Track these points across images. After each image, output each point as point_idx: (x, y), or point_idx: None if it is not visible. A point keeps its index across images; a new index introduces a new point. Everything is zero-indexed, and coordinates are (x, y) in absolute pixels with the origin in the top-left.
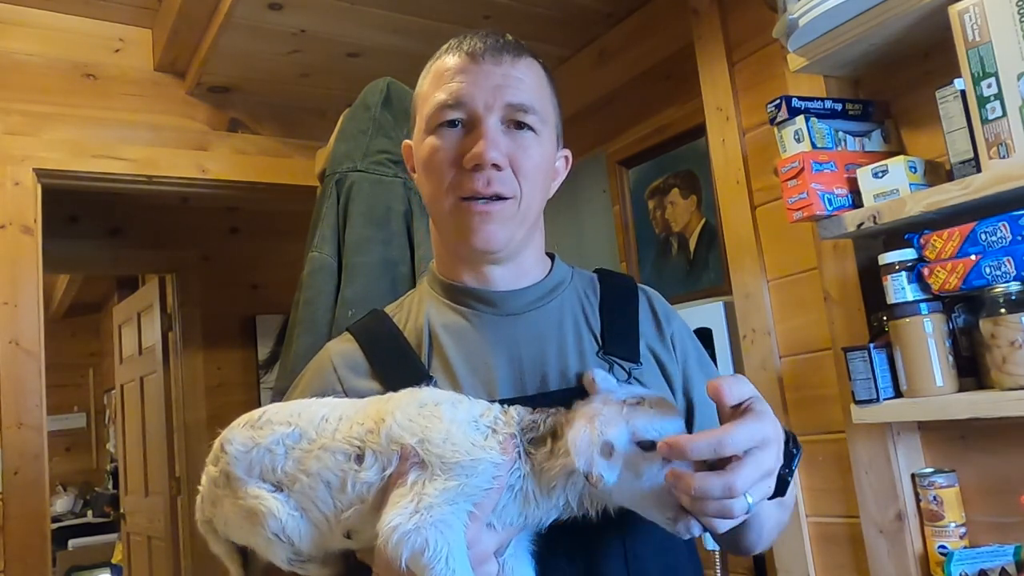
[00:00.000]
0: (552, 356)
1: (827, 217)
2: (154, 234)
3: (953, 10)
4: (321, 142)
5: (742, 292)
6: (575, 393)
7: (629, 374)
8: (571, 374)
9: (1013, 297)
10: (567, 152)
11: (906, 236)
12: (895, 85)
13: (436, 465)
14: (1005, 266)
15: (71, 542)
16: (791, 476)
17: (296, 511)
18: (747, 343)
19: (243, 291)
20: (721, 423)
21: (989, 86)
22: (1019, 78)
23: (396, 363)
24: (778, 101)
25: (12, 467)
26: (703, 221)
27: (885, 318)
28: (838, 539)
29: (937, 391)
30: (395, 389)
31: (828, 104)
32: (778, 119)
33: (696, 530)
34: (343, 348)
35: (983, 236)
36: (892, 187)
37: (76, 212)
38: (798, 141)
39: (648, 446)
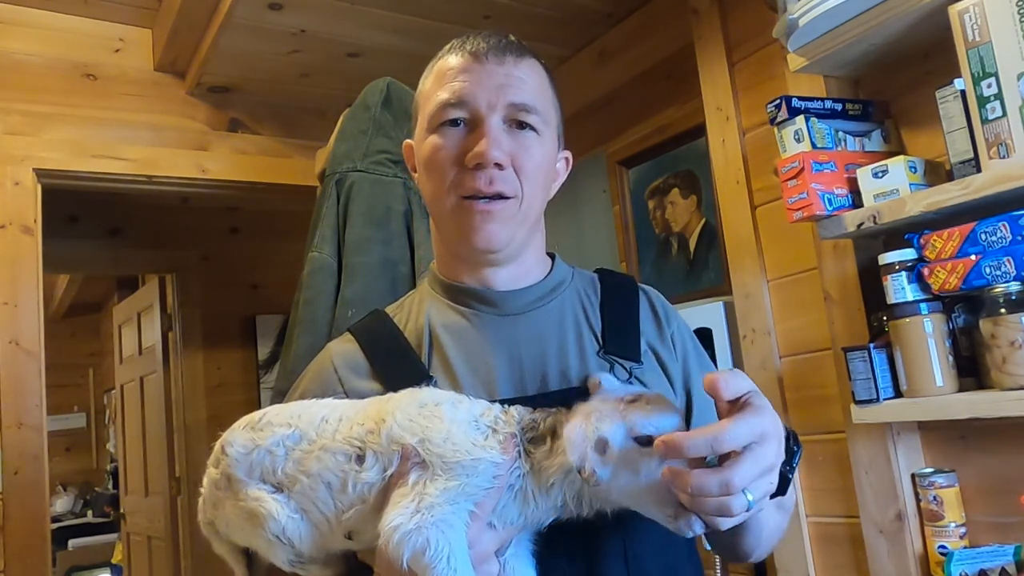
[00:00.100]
0: (552, 356)
1: (827, 217)
2: (154, 234)
3: (953, 10)
4: (321, 142)
5: (742, 292)
6: (575, 393)
7: (630, 373)
8: (571, 374)
9: (1013, 297)
10: (568, 153)
11: (906, 236)
12: (895, 85)
13: (437, 465)
14: (1005, 266)
15: (71, 542)
16: (792, 473)
17: (296, 513)
18: (747, 343)
19: (243, 291)
20: (719, 418)
21: (989, 86)
22: (1019, 78)
23: (397, 363)
24: (778, 101)
25: (12, 467)
26: (703, 221)
27: (885, 318)
28: (838, 539)
29: (937, 391)
30: (396, 389)
31: (828, 104)
32: (778, 119)
33: (698, 528)
34: (344, 348)
35: (983, 236)
36: (892, 187)
37: (76, 212)
38: (798, 141)
39: (645, 442)
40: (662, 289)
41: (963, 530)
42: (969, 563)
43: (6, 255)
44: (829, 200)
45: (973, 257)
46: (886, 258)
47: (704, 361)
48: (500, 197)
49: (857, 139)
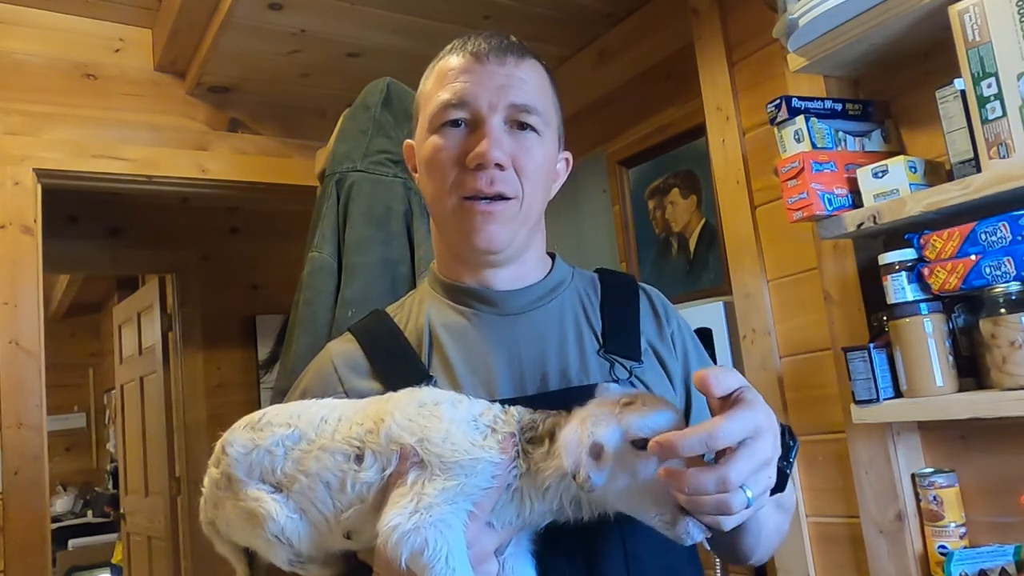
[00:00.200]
0: (552, 355)
1: (827, 217)
2: (154, 234)
3: (953, 10)
4: (321, 142)
5: (742, 292)
6: (575, 392)
7: (630, 372)
8: (571, 373)
9: (1013, 297)
10: (568, 154)
11: (906, 236)
12: (895, 85)
13: (435, 465)
14: (1005, 266)
15: (71, 542)
16: (790, 469)
17: (295, 513)
18: (747, 343)
19: (243, 291)
20: (712, 415)
21: (989, 86)
22: (1019, 78)
23: (396, 363)
24: (778, 101)
25: (12, 467)
26: (703, 221)
27: (885, 318)
28: (838, 539)
29: (937, 391)
30: (395, 389)
31: (828, 104)
32: (778, 119)
33: (697, 535)
34: (344, 348)
35: (983, 236)
36: (892, 187)
37: (76, 212)
38: (798, 141)
39: (641, 444)
40: (662, 289)
41: (963, 530)
42: (969, 563)
43: (6, 255)
44: (829, 200)
45: (973, 257)
46: (886, 258)
47: (704, 360)
48: (501, 198)
49: (857, 139)
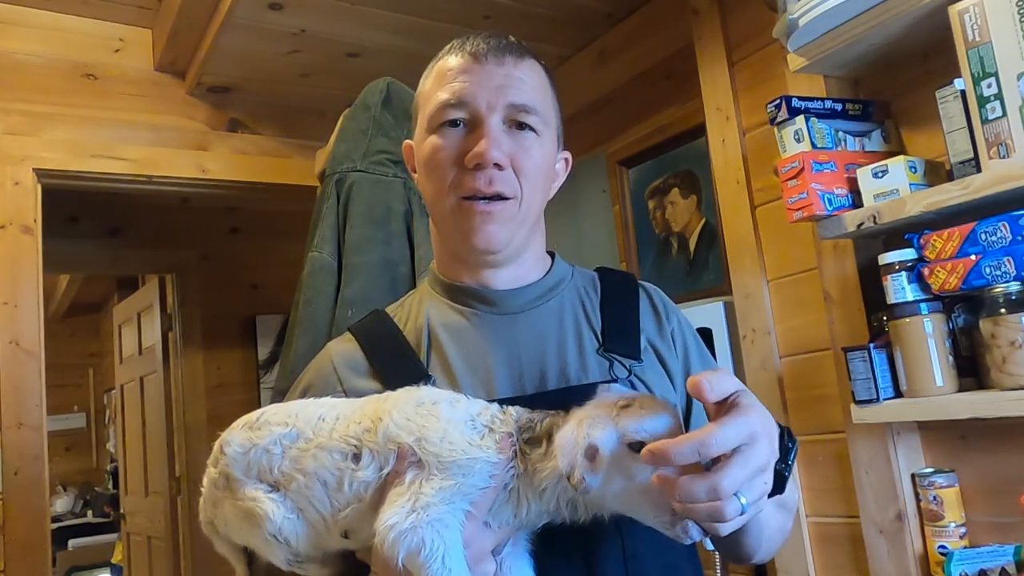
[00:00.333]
0: (551, 354)
1: (827, 217)
2: (154, 234)
3: (953, 10)
4: (321, 142)
5: (742, 292)
6: (574, 391)
7: (630, 371)
8: (570, 372)
9: (1013, 297)
10: (567, 154)
11: (906, 236)
12: (895, 85)
13: (433, 464)
14: (1005, 266)
15: (71, 542)
16: (788, 471)
17: (292, 513)
18: (747, 343)
19: (243, 291)
20: (708, 419)
21: (989, 86)
22: (1019, 78)
23: (396, 362)
24: (778, 101)
25: (12, 467)
26: (703, 221)
27: (885, 318)
28: (838, 539)
29: (937, 391)
30: (395, 389)
31: (828, 104)
32: (778, 119)
33: (696, 534)
34: (343, 348)
35: (983, 236)
36: (892, 187)
37: (76, 212)
38: (798, 141)
39: (638, 447)
40: (663, 289)
41: (963, 530)
42: (969, 563)
43: (6, 255)
44: (829, 200)
45: (973, 257)
46: (886, 258)
47: (706, 357)
48: (500, 198)
49: (857, 139)
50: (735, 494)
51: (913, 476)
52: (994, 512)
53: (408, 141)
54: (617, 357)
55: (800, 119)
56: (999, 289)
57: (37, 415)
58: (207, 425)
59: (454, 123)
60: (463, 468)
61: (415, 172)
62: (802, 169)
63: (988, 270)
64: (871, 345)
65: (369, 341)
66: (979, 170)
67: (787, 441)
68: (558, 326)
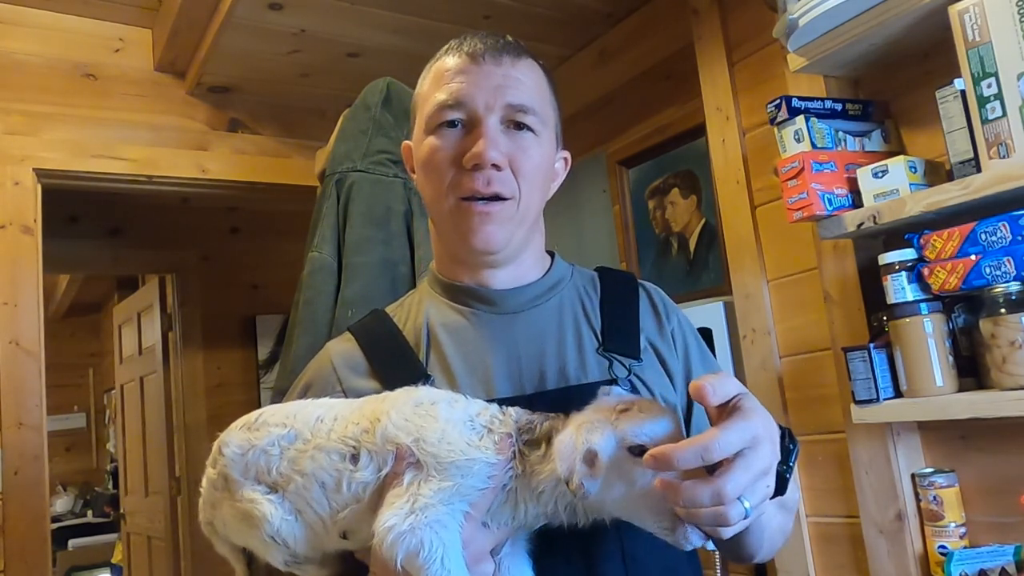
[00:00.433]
0: (551, 353)
1: (827, 217)
2: (154, 234)
3: (953, 10)
4: (321, 142)
5: (742, 292)
6: (573, 391)
7: (629, 370)
8: (570, 371)
9: (1013, 297)
10: (566, 154)
11: (906, 236)
12: (895, 85)
13: (431, 465)
14: (1005, 266)
15: (71, 542)
16: (790, 473)
17: (290, 515)
18: (747, 343)
19: (243, 291)
20: (710, 423)
21: (989, 86)
22: (1019, 78)
23: (395, 362)
24: (778, 101)
25: (12, 467)
26: (703, 221)
27: (885, 318)
28: (838, 539)
29: (937, 391)
30: (394, 388)
31: (828, 104)
32: (778, 119)
33: (696, 540)
34: (343, 348)
35: (983, 236)
36: (892, 187)
37: (76, 212)
38: (798, 141)
39: (639, 451)
40: (663, 289)
41: (963, 530)
42: (969, 563)
43: (6, 255)
44: (829, 200)
45: (973, 257)
46: (886, 258)
47: (707, 357)
48: (498, 198)
49: (857, 139)
50: (738, 498)
51: (913, 476)
52: (994, 512)
53: (407, 142)
54: (617, 356)
55: (800, 119)
56: (999, 289)
57: (37, 415)
58: (207, 425)
59: (452, 124)
60: (461, 469)
61: (414, 173)
62: (802, 169)
63: (988, 270)
64: (871, 345)
65: (368, 341)
66: (979, 170)
67: (788, 443)
68: (557, 325)
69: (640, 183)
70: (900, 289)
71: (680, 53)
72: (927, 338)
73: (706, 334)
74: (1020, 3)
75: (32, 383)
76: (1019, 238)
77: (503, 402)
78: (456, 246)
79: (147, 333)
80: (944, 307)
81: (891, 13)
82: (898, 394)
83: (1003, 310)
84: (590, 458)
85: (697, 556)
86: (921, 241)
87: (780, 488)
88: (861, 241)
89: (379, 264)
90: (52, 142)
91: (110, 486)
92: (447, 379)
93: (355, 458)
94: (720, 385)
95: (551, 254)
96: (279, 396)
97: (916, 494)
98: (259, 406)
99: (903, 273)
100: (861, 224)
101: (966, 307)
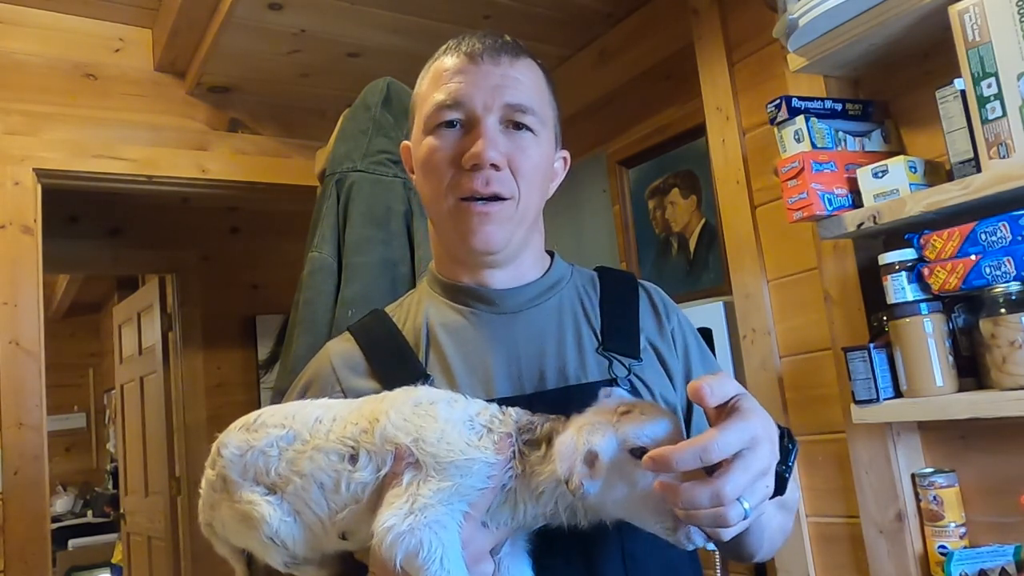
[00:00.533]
0: (551, 353)
1: (827, 217)
2: (154, 234)
3: (953, 10)
4: (321, 142)
5: (742, 292)
6: (572, 391)
7: (629, 370)
8: (569, 371)
9: (1013, 297)
10: (565, 153)
11: (906, 236)
12: (895, 85)
13: (431, 465)
14: (1005, 266)
15: (71, 542)
16: (789, 473)
17: (289, 516)
18: (747, 343)
19: (243, 291)
20: (709, 423)
21: (989, 86)
22: (1019, 78)
23: (394, 362)
24: (778, 101)
25: (12, 467)
26: (703, 221)
27: (885, 318)
28: (838, 539)
29: (937, 391)
30: (393, 388)
31: (828, 104)
32: (778, 119)
33: (698, 540)
34: (342, 348)
35: (983, 236)
36: (892, 187)
37: (76, 212)
38: (798, 141)
39: (640, 453)
40: (663, 289)
41: (963, 530)
42: (969, 563)
43: (6, 255)
44: (829, 200)
45: (973, 257)
46: (886, 258)
47: (707, 357)
48: (497, 198)
49: (857, 139)
50: (738, 499)
51: (913, 476)
52: (994, 512)
53: (406, 142)
54: (616, 356)
55: (800, 119)
56: (999, 289)
57: (37, 415)
58: (207, 425)
59: (450, 124)
60: (461, 469)
61: (412, 173)
62: (802, 169)
63: (988, 270)
64: (871, 345)
65: (368, 341)
66: (979, 170)
67: (787, 443)
68: (557, 325)
69: (640, 183)
70: (900, 289)
71: (680, 53)
72: (927, 338)
73: (706, 334)
74: (1020, 3)
75: (32, 383)
76: (1019, 238)
77: (503, 402)
78: (455, 246)
79: (147, 333)
80: (944, 307)
81: (891, 13)
82: (898, 394)
83: (1003, 310)
84: (591, 459)
85: (697, 556)
86: (921, 241)
87: (779, 488)
88: (861, 241)
89: (379, 264)
90: (52, 142)
91: (110, 486)
92: (447, 379)
93: (354, 458)
94: (718, 386)
95: (551, 254)
96: (279, 396)
97: (916, 494)
98: (259, 406)
99: (903, 273)
100: (861, 224)
101: (966, 307)
